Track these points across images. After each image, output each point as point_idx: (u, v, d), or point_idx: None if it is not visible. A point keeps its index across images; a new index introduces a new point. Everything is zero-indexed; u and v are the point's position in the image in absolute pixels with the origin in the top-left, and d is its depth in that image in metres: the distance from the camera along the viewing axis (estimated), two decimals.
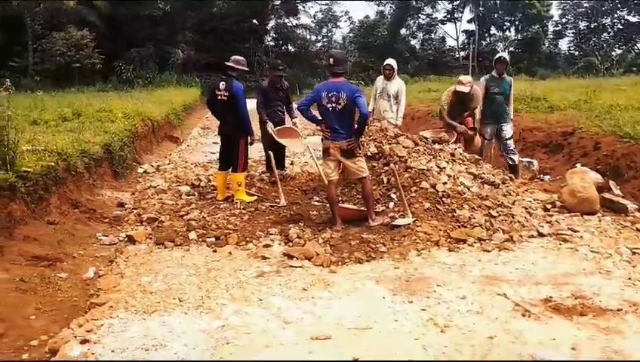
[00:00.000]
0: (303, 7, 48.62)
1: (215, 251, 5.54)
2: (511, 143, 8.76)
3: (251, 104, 7.69)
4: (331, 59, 6.21)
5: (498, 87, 8.66)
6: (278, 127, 8.29)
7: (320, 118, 6.21)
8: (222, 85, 7.40)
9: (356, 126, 6.12)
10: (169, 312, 4.06)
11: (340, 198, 6.79)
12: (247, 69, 7.70)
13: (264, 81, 9.04)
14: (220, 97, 7.43)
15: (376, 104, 8.95)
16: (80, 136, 8.41)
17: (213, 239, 5.81)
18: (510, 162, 8.70)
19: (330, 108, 6.02)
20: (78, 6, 30.08)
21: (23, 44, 29.36)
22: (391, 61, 9.14)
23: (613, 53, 40.94)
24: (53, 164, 6.40)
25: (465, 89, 8.37)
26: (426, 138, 7.89)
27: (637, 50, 48.02)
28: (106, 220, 6.61)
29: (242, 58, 7.71)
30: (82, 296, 4.35)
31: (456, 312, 4.02)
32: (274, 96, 8.54)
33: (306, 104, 6.20)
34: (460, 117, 8.60)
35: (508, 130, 8.74)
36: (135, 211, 7.01)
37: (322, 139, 6.34)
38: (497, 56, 9.03)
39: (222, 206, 7.19)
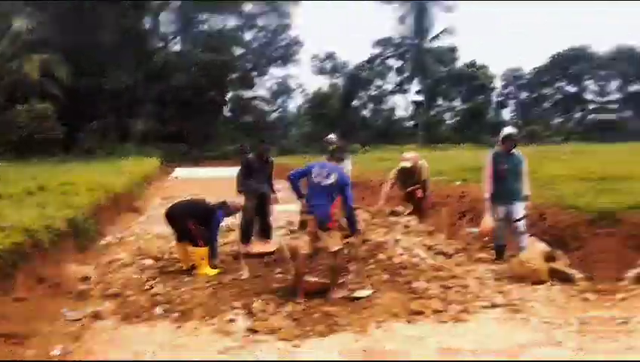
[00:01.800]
0: (259, 79, 50.26)
1: (180, 327, 5.59)
2: (521, 225, 7.77)
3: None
4: (333, 146, 6.79)
5: (507, 163, 7.78)
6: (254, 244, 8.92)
7: (304, 193, 6.54)
8: (211, 204, 7.95)
9: (346, 218, 6.51)
10: None
11: None
12: (232, 215, 8.26)
13: (249, 154, 9.49)
14: (204, 203, 8.02)
15: None
16: (45, 210, 8.46)
17: (177, 314, 5.89)
18: (520, 245, 7.71)
19: (317, 182, 6.33)
20: (41, 78, 30.26)
21: None
22: (333, 136, 10.30)
23: (554, 122, 43.06)
24: (20, 241, 6.47)
25: (406, 164, 9.14)
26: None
27: (576, 119, 50.91)
28: (72, 295, 6.64)
29: (239, 209, 8.31)
30: None
31: None
32: (259, 167, 8.99)
33: (296, 176, 6.60)
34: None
35: (518, 210, 7.76)
36: (100, 285, 7.04)
37: (300, 212, 6.60)
38: (506, 133, 7.85)
39: (185, 279, 7.28)
